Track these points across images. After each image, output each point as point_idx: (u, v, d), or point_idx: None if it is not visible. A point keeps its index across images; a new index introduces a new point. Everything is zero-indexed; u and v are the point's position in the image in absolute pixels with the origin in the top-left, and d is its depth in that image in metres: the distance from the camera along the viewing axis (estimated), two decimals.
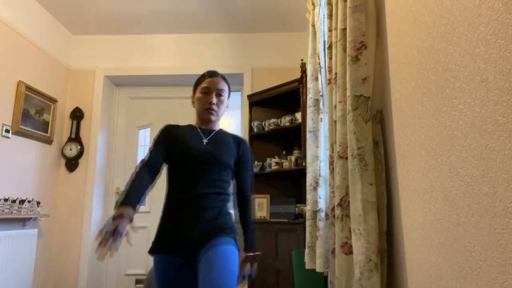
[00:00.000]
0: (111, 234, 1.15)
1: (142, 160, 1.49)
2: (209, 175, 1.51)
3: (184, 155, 1.52)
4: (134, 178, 1.40)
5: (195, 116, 1.69)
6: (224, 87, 1.65)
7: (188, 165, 1.51)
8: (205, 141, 1.58)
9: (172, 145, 1.55)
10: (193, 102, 1.69)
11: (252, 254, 1.57)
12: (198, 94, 1.63)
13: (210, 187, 1.50)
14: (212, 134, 1.62)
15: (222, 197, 1.54)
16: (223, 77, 1.68)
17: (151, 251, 1.47)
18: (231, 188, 1.62)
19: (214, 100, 1.59)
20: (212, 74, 1.66)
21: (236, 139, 1.66)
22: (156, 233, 1.50)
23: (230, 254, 1.38)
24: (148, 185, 1.43)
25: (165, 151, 1.54)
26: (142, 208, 3.75)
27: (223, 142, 1.60)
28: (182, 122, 1.78)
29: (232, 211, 1.64)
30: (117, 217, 1.22)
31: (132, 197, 1.33)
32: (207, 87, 1.61)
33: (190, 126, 1.66)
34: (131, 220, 1.26)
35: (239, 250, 1.49)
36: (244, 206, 1.65)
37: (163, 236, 1.47)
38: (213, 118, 1.61)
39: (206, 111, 1.60)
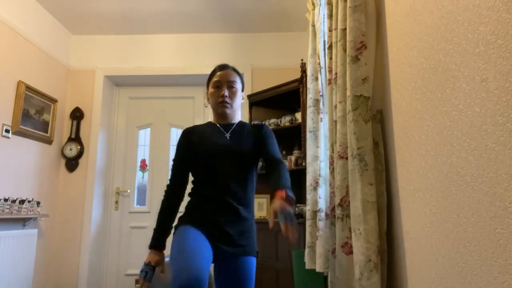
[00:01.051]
0: (144, 280, 1.45)
1: (168, 186, 1.59)
2: (234, 170, 1.51)
3: (206, 153, 1.52)
4: (161, 215, 1.54)
5: (211, 113, 1.68)
6: (235, 78, 1.63)
7: (212, 163, 1.51)
8: (228, 135, 1.58)
9: (194, 149, 1.56)
10: (208, 99, 1.68)
11: (282, 191, 1.30)
12: (210, 89, 1.63)
13: (235, 183, 1.51)
14: (233, 128, 1.61)
15: (247, 192, 1.55)
16: (234, 69, 1.67)
17: (176, 228, 1.49)
18: (254, 184, 1.61)
19: (226, 92, 1.58)
20: (222, 67, 1.66)
21: (256, 126, 1.65)
22: (180, 219, 1.52)
23: (252, 272, 1.51)
24: (174, 217, 1.57)
25: (186, 163, 1.58)
26: (141, 208, 3.76)
27: (244, 133, 1.60)
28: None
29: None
30: (148, 263, 1.47)
31: (159, 240, 1.51)
32: (218, 81, 1.60)
33: (209, 123, 1.66)
34: (158, 263, 1.49)
35: (257, 256, 1.56)
36: (277, 168, 1.45)
37: (191, 221, 1.48)
38: (227, 111, 1.60)
39: (219, 105, 1.59)
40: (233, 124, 1.63)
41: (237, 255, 1.46)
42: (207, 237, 1.43)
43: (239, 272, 1.46)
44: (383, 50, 1.49)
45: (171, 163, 3.05)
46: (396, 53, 1.31)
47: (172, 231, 1.54)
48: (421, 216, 1.08)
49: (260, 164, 3.31)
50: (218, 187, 1.49)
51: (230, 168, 1.51)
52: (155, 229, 1.53)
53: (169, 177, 1.61)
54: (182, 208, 1.55)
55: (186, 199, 1.59)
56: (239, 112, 1.68)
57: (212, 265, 1.48)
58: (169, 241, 1.48)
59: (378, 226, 1.35)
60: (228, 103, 1.59)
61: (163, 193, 1.59)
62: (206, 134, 1.58)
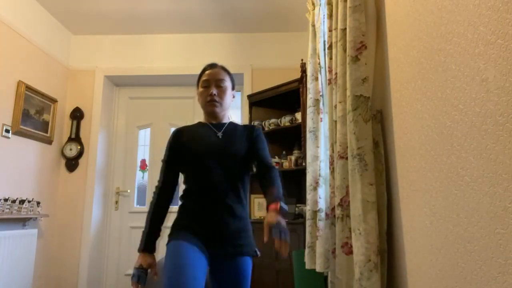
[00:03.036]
0: (138, 284, 1.40)
1: (157, 188, 1.55)
2: (226, 170, 1.49)
3: (198, 153, 1.49)
4: (151, 217, 1.49)
5: (201, 113, 1.66)
6: (224, 76, 1.61)
7: (203, 163, 1.48)
8: (219, 134, 1.55)
9: (184, 150, 1.53)
10: (198, 99, 1.66)
11: (276, 204, 1.30)
12: (200, 89, 1.61)
13: (228, 183, 1.48)
14: (225, 127, 1.59)
15: (241, 192, 1.52)
16: (223, 68, 1.65)
17: (169, 241, 1.44)
18: (248, 185, 1.59)
19: (215, 91, 1.56)
20: (210, 66, 1.64)
21: (248, 127, 1.64)
22: (173, 227, 1.48)
23: (248, 272, 1.46)
24: (164, 219, 1.52)
25: (177, 165, 1.55)
26: (141, 208, 3.75)
27: (237, 134, 1.58)
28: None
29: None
30: (140, 267, 1.42)
31: (149, 242, 1.47)
32: (207, 80, 1.58)
33: (199, 123, 1.63)
34: (150, 266, 1.44)
35: (256, 255, 1.52)
36: (269, 174, 1.48)
37: (184, 229, 1.45)
38: (217, 109, 1.57)
39: (208, 104, 1.57)
40: (225, 123, 1.61)
41: (232, 255, 1.44)
42: (201, 243, 1.40)
43: (234, 272, 1.43)
44: (383, 50, 1.49)
45: None
46: (396, 53, 1.31)
47: (166, 240, 1.48)
48: (421, 216, 1.08)
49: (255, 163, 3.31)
50: (211, 187, 1.46)
51: (223, 168, 1.48)
52: (144, 232, 1.48)
53: (159, 178, 1.56)
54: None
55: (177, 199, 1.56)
56: (228, 113, 1.66)
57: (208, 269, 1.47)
58: (160, 245, 1.45)
59: (378, 226, 1.35)
60: (217, 102, 1.56)
61: (153, 195, 1.54)
62: (197, 134, 1.56)
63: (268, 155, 1.58)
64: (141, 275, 1.40)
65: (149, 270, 1.44)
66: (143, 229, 1.50)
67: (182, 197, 1.53)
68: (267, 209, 1.32)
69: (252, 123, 3.43)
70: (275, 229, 1.19)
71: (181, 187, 1.56)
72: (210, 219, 1.44)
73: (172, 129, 1.68)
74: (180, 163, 1.55)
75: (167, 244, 1.43)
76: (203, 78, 1.60)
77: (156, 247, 1.50)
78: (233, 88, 1.66)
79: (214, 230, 1.43)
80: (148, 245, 1.46)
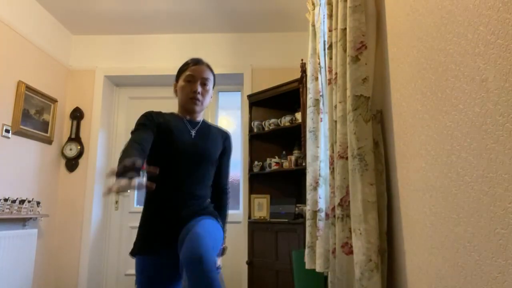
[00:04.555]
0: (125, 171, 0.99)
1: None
2: (197, 170, 1.46)
3: (173, 148, 1.43)
4: (125, 147, 1.25)
5: (176, 106, 1.61)
6: (210, 76, 1.58)
7: (177, 159, 1.43)
8: (193, 133, 1.51)
9: (159, 134, 1.42)
10: (175, 91, 1.60)
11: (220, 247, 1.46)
12: (181, 83, 1.55)
13: (198, 184, 1.46)
14: (198, 126, 1.55)
15: (207, 194, 1.51)
16: (208, 65, 1.61)
17: (132, 253, 1.41)
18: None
19: (199, 89, 1.52)
20: (196, 61, 1.59)
21: (221, 132, 1.63)
22: (138, 233, 1.44)
23: (212, 223, 1.35)
24: (144, 153, 1.24)
25: (152, 135, 1.39)
26: (141, 208, 3.73)
27: (210, 136, 1.55)
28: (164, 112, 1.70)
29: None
30: (130, 166, 1.11)
31: (132, 154, 1.19)
32: (192, 75, 1.54)
33: (174, 115, 1.57)
34: (138, 171, 1.13)
35: (222, 228, 1.47)
36: (221, 198, 1.60)
37: (144, 238, 1.41)
38: (197, 108, 1.54)
39: (190, 101, 1.52)
40: (198, 122, 1.57)
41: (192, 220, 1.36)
42: (161, 254, 1.37)
43: (198, 220, 1.33)
44: (383, 50, 1.49)
45: None
46: (396, 53, 1.31)
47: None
48: (421, 216, 1.08)
49: (255, 163, 3.31)
50: (175, 190, 1.42)
51: (192, 168, 1.45)
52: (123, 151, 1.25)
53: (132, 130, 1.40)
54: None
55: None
56: (203, 112, 1.64)
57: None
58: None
59: (378, 226, 1.35)
60: (199, 101, 1.53)
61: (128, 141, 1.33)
62: (172, 125, 1.48)
63: (228, 174, 1.65)
64: (134, 175, 1.03)
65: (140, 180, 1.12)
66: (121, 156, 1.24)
67: (145, 199, 1.48)
68: None
69: (252, 123, 3.43)
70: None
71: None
72: (171, 219, 1.40)
73: (149, 111, 1.57)
74: (156, 137, 1.41)
75: (132, 256, 1.41)
76: (188, 72, 1.55)
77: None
78: (213, 88, 1.63)
79: (177, 227, 1.37)
80: (129, 154, 1.18)
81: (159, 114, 1.52)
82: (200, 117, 1.60)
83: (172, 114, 1.58)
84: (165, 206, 1.42)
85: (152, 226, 1.42)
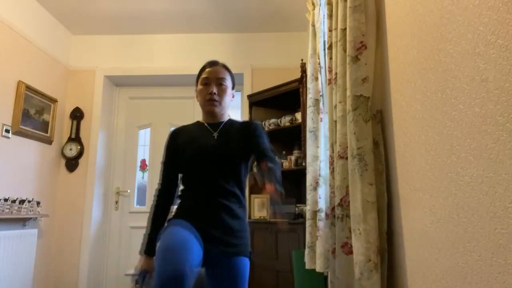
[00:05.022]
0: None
1: (157, 190, 1.55)
2: (222, 170, 1.47)
3: (195, 154, 1.48)
4: (152, 219, 1.50)
5: (200, 112, 1.64)
6: (225, 75, 1.58)
7: (200, 165, 1.47)
8: (215, 135, 1.53)
9: (181, 151, 1.52)
10: (197, 97, 1.62)
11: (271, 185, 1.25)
12: (199, 86, 1.58)
13: (228, 179, 1.47)
14: (221, 127, 1.56)
15: (238, 192, 1.50)
16: (225, 66, 1.62)
17: (166, 226, 1.43)
18: (246, 185, 1.57)
19: (215, 89, 1.53)
20: (212, 63, 1.61)
21: (246, 124, 1.60)
22: (169, 219, 1.49)
23: (245, 273, 1.43)
24: (165, 221, 1.51)
25: (175, 166, 1.54)
26: (141, 208, 3.76)
27: (233, 133, 1.54)
28: (182, 122, 1.76)
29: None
30: (143, 271, 1.43)
31: (151, 245, 1.45)
32: (207, 78, 1.55)
33: (197, 123, 1.61)
34: (153, 270, 1.40)
35: (251, 256, 1.49)
36: (269, 161, 1.35)
37: (182, 217, 1.45)
38: (216, 109, 1.54)
39: (207, 102, 1.54)
40: (222, 122, 1.58)
41: (228, 255, 1.41)
42: (198, 234, 1.38)
43: (231, 272, 1.40)
44: (383, 50, 1.49)
45: None
46: (396, 53, 1.31)
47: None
48: (421, 216, 1.08)
49: (255, 163, 3.31)
50: (206, 188, 1.45)
51: (218, 169, 1.47)
52: (146, 234, 1.48)
53: (159, 181, 1.56)
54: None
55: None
56: (227, 112, 1.63)
57: (204, 269, 1.46)
58: None
59: (378, 226, 1.35)
60: (217, 101, 1.54)
61: (153, 198, 1.55)
62: (193, 135, 1.54)
63: (268, 148, 1.46)
64: (144, 277, 1.42)
65: (153, 274, 1.43)
66: (144, 231, 1.50)
67: (179, 197, 1.53)
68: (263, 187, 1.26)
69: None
70: (273, 206, 1.23)
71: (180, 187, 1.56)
72: (207, 216, 1.43)
73: (172, 129, 1.65)
74: (178, 164, 1.54)
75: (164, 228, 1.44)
76: (203, 75, 1.57)
77: None
78: (233, 88, 1.64)
79: (211, 227, 1.41)
80: (149, 248, 1.45)
81: (180, 130, 1.59)
82: (224, 118, 1.61)
83: (196, 123, 1.63)
84: (198, 206, 1.46)
85: (190, 211, 1.46)
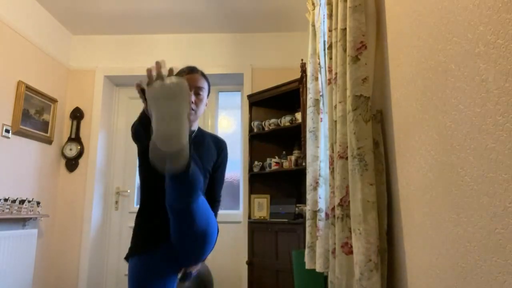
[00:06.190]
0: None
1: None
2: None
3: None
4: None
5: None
6: (204, 84, 1.54)
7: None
8: None
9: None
10: None
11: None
12: None
13: None
14: (193, 136, 1.52)
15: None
16: (203, 74, 1.58)
17: (132, 253, 1.38)
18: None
19: (192, 98, 1.48)
20: (191, 70, 1.56)
21: (216, 141, 1.61)
22: (134, 235, 1.43)
23: (208, 207, 1.36)
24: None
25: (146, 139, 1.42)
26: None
27: (205, 146, 1.54)
28: None
29: None
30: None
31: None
32: None
33: None
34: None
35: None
36: (213, 207, 1.55)
37: (143, 236, 1.40)
38: (191, 117, 1.49)
39: None
40: (193, 131, 1.55)
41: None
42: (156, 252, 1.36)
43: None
44: (383, 50, 1.49)
45: None
46: (396, 53, 1.31)
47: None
48: (421, 216, 1.08)
49: (255, 163, 3.31)
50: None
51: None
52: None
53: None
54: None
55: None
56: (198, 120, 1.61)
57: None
58: None
59: (378, 226, 1.35)
60: (193, 110, 1.48)
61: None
62: None
63: (222, 185, 1.63)
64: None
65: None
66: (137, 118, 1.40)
67: (139, 209, 1.47)
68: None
69: (252, 123, 3.43)
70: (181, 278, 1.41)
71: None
72: (165, 223, 1.37)
73: None
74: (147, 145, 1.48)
75: (129, 258, 1.38)
76: None
77: None
78: (208, 96, 1.59)
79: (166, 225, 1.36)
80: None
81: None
82: (194, 126, 1.58)
83: None
84: (158, 209, 1.40)
85: (149, 224, 1.41)
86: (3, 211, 2.71)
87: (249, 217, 3.29)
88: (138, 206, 1.48)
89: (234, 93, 3.97)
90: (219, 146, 1.60)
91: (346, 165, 1.57)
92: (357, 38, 1.48)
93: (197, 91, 1.51)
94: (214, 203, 1.60)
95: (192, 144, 1.44)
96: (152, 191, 1.42)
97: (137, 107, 3.98)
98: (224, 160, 1.62)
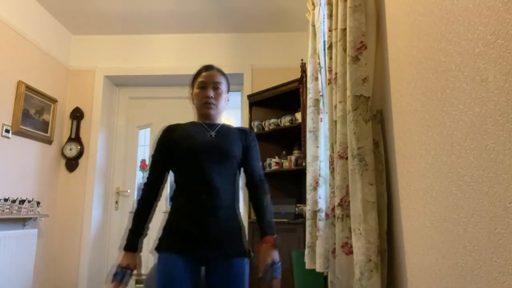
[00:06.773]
0: (120, 283, 1.39)
1: (144, 185, 1.55)
2: (219, 168, 1.47)
3: (190, 150, 1.48)
4: (136, 214, 1.48)
5: (195, 114, 1.66)
6: (221, 79, 1.62)
7: (196, 159, 1.46)
8: (212, 133, 1.54)
9: (174, 147, 1.51)
10: (192, 99, 1.65)
11: (271, 237, 1.51)
12: (195, 90, 1.61)
13: (221, 181, 1.46)
14: (217, 128, 1.58)
15: (233, 191, 1.51)
16: (220, 70, 1.65)
17: (158, 248, 1.44)
18: (240, 182, 1.58)
19: (211, 93, 1.56)
20: (207, 68, 1.63)
21: (242, 130, 1.64)
22: (164, 229, 1.46)
23: (243, 274, 1.45)
24: (150, 217, 1.50)
25: (166, 161, 1.53)
26: None
27: (230, 134, 1.57)
28: (182, 122, 1.76)
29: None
30: (124, 267, 1.40)
31: (135, 241, 1.45)
32: (203, 81, 1.58)
33: (193, 123, 1.63)
34: (135, 267, 1.44)
35: (250, 256, 1.50)
36: (260, 189, 1.57)
37: (174, 235, 1.43)
38: (212, 112, 1.57)
39: (204, 105, 1.56)
40: (218, 124, 1.60)
41: (226, 257, 1.42)
42: (190, 253, 1.39)
43: (230, 274, 1.41)
44: (383, 50, 1.49)
45: None
46: (396, 53, 1.31)
47: (153, 241, 1.49)
48: (421, 216, 1.08)
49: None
50: (202, 185, 1.44)
51: (215, 165, 1.47)
52: (130, 230, 1.46)
53: (147, 175, 1.55)
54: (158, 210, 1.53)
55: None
56: (221, 115, 1.66)
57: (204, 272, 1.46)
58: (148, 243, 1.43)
59: (378, 226, 1.35)
60: (213, 104, 1.57)
61: (140, 192, 1.54)
62: (189, 131, 1.54)
63: (260, 166, 1.62)
64: (125, 275, 1.38)
65: (134, 271, 1.42)
66: (129, 227, 1.48)
67: (173, 197, 1.51)
68: (261, 239, 1.49)
69: (252, 123, 3.43)
70: (272, 268, 1.45)
71: (171, 187, 1.55)
72: (201, 220, 1.41)
73: (166, 126, 1.66)
74: (170, 160, 1.53)
75: (157, 251, 1.43)
76: (200, 79, 1.60)
77: (142, 247, 1.48)
78: (228, 91, 1.66)
79: (207, 230, 1.41)
80: (133, 244, 1.44)
81: (175, 127, 1.60)
82: (219, 120, 1.63)
83: (191, 122, 1.63)
84: (192, 204, 1.44)
85: (183, 224, 1.43)
86: (3, 211, 2.71)
87: (249, 217, 3.29)
88: (140, 193, 1.57)
89: (234, 93, 3.96)
90: (245, 131, 1.63)
91: (346, 165, 1.57)
92: (357, 38, 1.48)
93: (215, 86, 1.59)
94: (261, 186, 1.58)
95: (217, 134, 1.54)
96: (184, 189, 1.48)
97: (137, 107, 3.98)
98: (253, 142, 1.62)
